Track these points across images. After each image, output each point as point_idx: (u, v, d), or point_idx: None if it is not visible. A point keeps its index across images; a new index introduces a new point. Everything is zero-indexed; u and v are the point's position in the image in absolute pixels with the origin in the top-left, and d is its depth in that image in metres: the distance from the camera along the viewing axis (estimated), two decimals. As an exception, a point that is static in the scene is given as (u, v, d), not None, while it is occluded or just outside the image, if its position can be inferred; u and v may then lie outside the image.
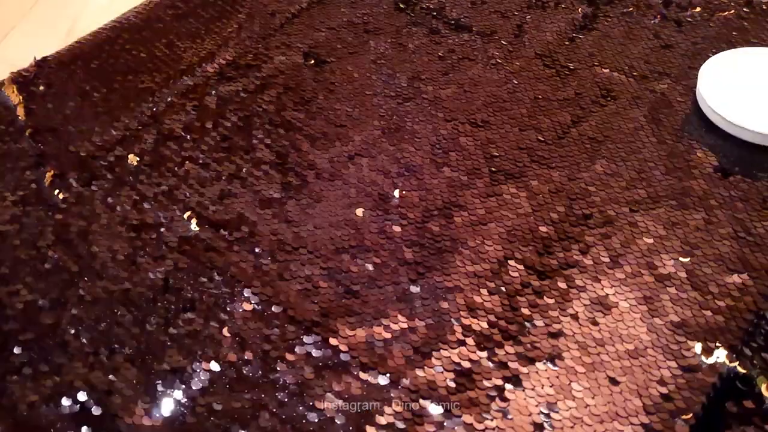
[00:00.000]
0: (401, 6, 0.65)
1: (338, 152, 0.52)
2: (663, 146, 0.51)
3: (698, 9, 0.62)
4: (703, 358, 0.39)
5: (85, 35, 0.64)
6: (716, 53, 0.58)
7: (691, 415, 0.37)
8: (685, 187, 0.48)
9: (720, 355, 0.39)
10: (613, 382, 0.39)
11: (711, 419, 0.37)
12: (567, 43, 0.60)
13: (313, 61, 0.60)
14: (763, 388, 0.38)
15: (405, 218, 0.47)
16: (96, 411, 0.39)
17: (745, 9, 0.62)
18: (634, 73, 0.57)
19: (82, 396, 0.39)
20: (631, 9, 0.63)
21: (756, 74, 0.53)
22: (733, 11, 0.62)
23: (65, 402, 0.39)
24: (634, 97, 0.55)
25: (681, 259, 0.44)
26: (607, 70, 0.58)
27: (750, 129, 0.49)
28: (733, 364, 0.39)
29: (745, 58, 0.54)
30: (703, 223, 0.46)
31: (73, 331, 0.42)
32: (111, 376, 0.40)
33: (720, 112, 0.50)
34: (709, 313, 0.41)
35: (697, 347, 0.40)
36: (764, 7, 0.62)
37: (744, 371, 0.39)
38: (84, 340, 0.42)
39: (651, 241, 0.45)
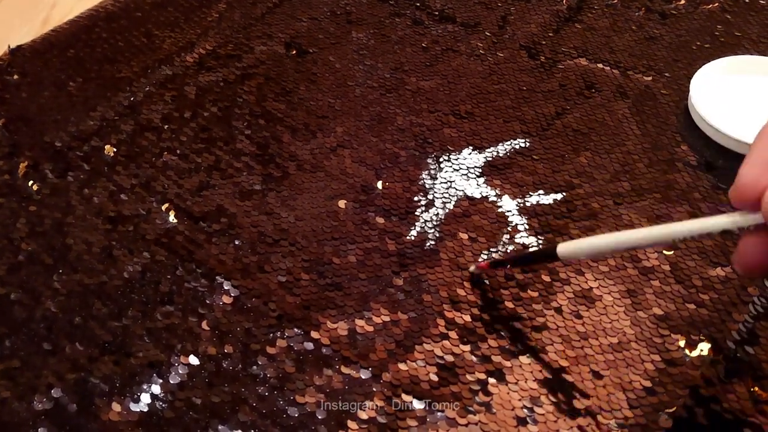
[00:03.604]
0: (384, -4, 0.64)
1: (320, 143, 0.52)
2: (647, 138, 0.51)
3: (683, 1, 0.62)
4: (687, 351, 0.39)
5: (61, 23, 0.62)
6: (701, 46, 0.58)
7: (674, 408, 0.37)
8: (669, 179, 0.48)
9: (703, 348, 0.39)
10: (597, 375, 0.38)
11: (695, 413, 0.37)
12: (551, 34, 0.60)
13: (294, 52, 0.59)
14: (746, 381, 0.38)
15: (388, 210, 0.47)
16: (71, 407, 0.38)
17: (729, 2, 0.62)
18: (619, 66, 0.57)
19: (56, 392, 0.38)
20: (615, 1, 0.63)
21: (750, 85, 0.53)
22: (717, 4, 0.62)
23: (39, 398, 0.38)
24: (618, 90, 0.55)
25: (664, 252, 0.44)
26: (592, 62, 0.57)
27: (744, 141, 0.48)
28: (716, 358, 0.39)
29: (741, 66, 0.54)
30: (687, 215, 0.46)
31: (47, 326, 0.41)
32: (86, 372, 0.39)
33: (714, 124, 0.49)
34: (692, 306, 0.41)
35: (681, 341, 0.40)
36: (747, 1, 0.62)
37: (727, 364, 0.38)
38: (58, 335, 0.41)
39: (635, 233, 0.45)
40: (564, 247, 0.36)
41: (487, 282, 0.43)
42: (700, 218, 0.31)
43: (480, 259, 0.44)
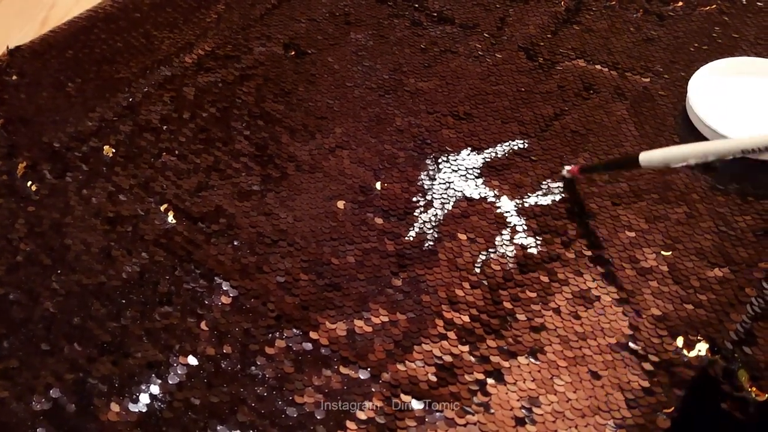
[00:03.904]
0: (383, -3, 0.64)
1: (319, 144, 0.52)
2: (645, 140, 0.51)
3: (680, 3, 0.63)
4: (685, 351, 0.39)
5: (59, 24, 0.62)
6: (698, 48, 0.58)
7: (672, 408, 0.37)
8: (666, 180, 0.48)
9: (701, 348, 0.39)
10: (595, 376, 0.38)
11: (693, 413, 0.37)
12: (550, 36, 0.60)
13: (293, 53, 0.59)
14: (743, 381, 0.38)
15: (387, 210, 0.47)
16: (69, 408, 0.38)
17: (726, 4, 0.62)
18: (617, 67, 0.57)
19: (55, 392, 0.38)
20: (613, 3, 0.63)
21: (748, 86, 0.53)
22: (714, 6, 0.62)
23: (37, 399, 0.38)
24: (616, 91, 0.55)
25: (662, 252, 0.44)
26: (590, 64, 0.57)
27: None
28: (714, 358, 0.39)
29: (739, 68, 0.54)
30: (685, 217, 0.46)
31: (45, 326, 0.41)
32: (85, 372, 0.39)
33: (711, 126, 0.49)
34: (690, 306, 0.41)
35: (679, 341, 0.40)
36: (744, 2, 0.62)
37: (725, 365, 0.39)
38: (57, 335, 0.41)
39: (633, 234, 0.45)
40: (646, 155, 0.40)
41: (485, 283, 0.43)
42: None
43: (564, 172, 0.48)
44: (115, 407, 0.38)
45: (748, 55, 0.56)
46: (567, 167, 0.48)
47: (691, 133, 0.51)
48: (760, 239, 0.44)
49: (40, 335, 0.41)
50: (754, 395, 0.37)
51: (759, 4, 0.62)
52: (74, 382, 0.39)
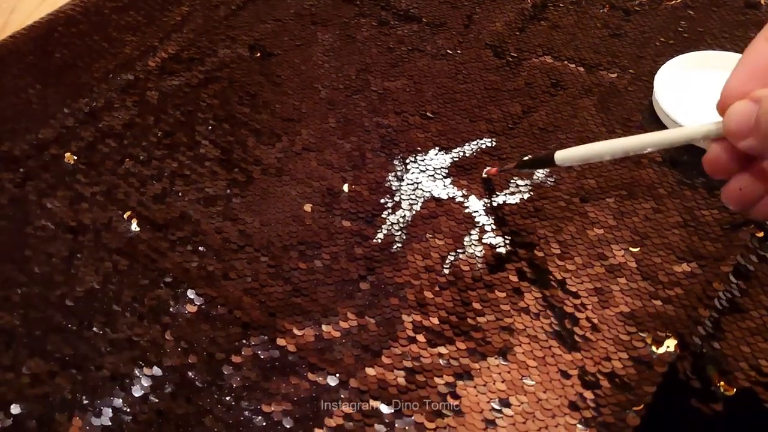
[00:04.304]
0: (349, -3, 0.64)
1: (285, 147, 0.51)
2: (612, 136, 0.51)
3: (646, -2, 0.63)
4: (654, 348, 0.39)
5: (19, 29, 0.61)
6: (664, 42, 0.58)
7: (642, 406, 0.37)
8: (634, 176, 0.48)
9: (670, 344, 0.39)
10: (565, 375, 0.38)
11: (662, 410, 0.37)
12: (517, 33, 0.60)
13: (259, 54, 0.59)
14: (712, 376, 0.38)
15: (354, 213, 0.46)
16: (30, 424, 0.37)
17: (691, -2, 0.62)
18: (584, 63, 0.57)
19: (15, 409, 0.37)
20: (580, -2, 0.63)
21: (714, 80, 0.53)
22: (680, 0, 0.62)
23: (-3, 415, 0.37)
24: (583, 87, 0.55)
25: (631, 249, 0.44)
26: (557, 60, 0.57)
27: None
28: (682, 354, 0.39)
29: (704, 62, 0.54)
30: (652, 212, 0.46)
31: (5, 340, 0.40)
32: (47, 386, 0.38)
33: (678, 120, 0.49)
34: (659, 302, 0.41)
35: (648, 337, 0.40)
36: (710, -4, 0.62)
37: (694, 360, 0.39)
38: (18, 349, 0.40)
39: (601, 231, 0.45)
40: (561, 154, 0.38)
41: (454, 284, 0.42)
42: (683, 127, 0.34)
43: (483, 173, 0.48)
44: (77, 422, 0.37)
45: (713, 49, 0.56)
46: (487, 168, 0.48)
47: (658, 128, 0.51)
48: (727, 233, 0.44)
49: (-1, 350, 0.40)
50: (722, 390, 0.37)
51: (723, -3, 0.62)
52: (35, 397, 0.38)
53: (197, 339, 0.40)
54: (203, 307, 0.42)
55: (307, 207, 0.47)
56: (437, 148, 0.50)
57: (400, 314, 0.41)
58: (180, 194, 0.48)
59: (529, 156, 0.49)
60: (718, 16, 0.60)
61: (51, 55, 0.59)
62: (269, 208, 0.47)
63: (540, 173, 0.48)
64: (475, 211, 0.46)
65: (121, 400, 0.38)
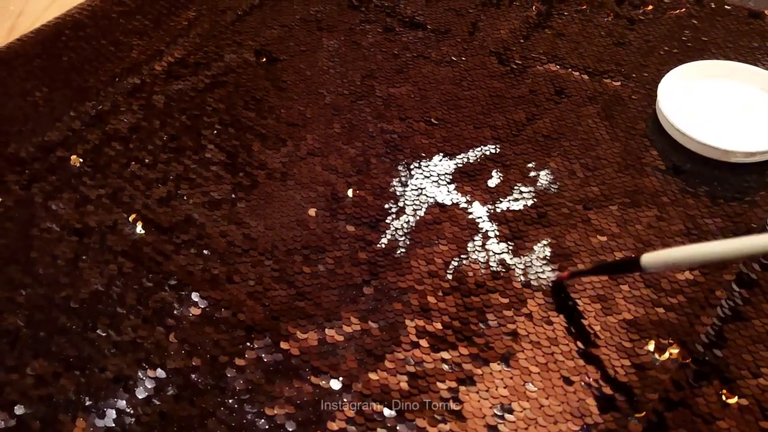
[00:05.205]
0: (355, 3, 0.64)
1: (290, 151, 0.51)
2: (616, 143, 0.51)
3: (650, 7, 0.63)
4: (656, 355, 0.39)
5: (26, 32, 0.62)
6: (668, 51, 0.58)
7: (644, 413, 0.37)
8: (637, 184, 0.48)
9: (672, 352, 0.39)
10: (567, 381, 0.38)
11: (664, 417, 0.37)
12: (521, 40, 0.60)
13: (264, 59, 0.59)
14: (714, 384, 0.38)
15: (359, 218, 0.47)
16: (34, 425, 0.37)
17: (695, 7, 0.63)
18: (588, 71, 0.57)
19: (19, 410, 0.37)
20: (584, 7, 0.63)
21: (717, 89, 0.53)
22: (684, 9, 0.63)
23: (1, 416, 0.37)
24: (587, 95, 0.55)
25: (633, 256, 0.44)
26: (562, 68, 0.57)
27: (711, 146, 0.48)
28: (685, 361, 0.39)
29: (707, 71, 0.54)
30: (656, 219, 0.46)
31: (10, 341, 0.40)
32: (51, 387, 0.38)
33: (681, 129, 0.49)
34: (661, 310, 0.41)
35: (650, 345, 0.40)
36: (713, 6, 0.63)
37: (696, 368, 0.39)
38: (22, 350, 0.40)
39: (604, 238, 0.45)
40: (648, 258, 0.36)
41: (458, 289, 0.42)
42: None
43: (554, 275, 0.43)
44: (81, 423, 0.37)
45: (717, 58, 0.56)
46: (557, 273, 0.43)
47: (662, 136, 0.51)
48: (730, 241, 0.44)
49: (4, 350, 0.40)
50: (724, 398, 0.37)
51: (727, 6, 0.62)
52: (40, 398, 0.38)
53: (201, 342, 0.40)
54: (207, 309, 0.42)
55: (312, 211, 0.47)
56: (441, 154, 0.51)
57: (404, 319, 0.41)
58: (185, 198, 0.48)
59: (606, 260, 0.44)
60: (722, 25, 0.61)
61: (58, 58, 0.59)
62: (274, 212, 0.47)
63: (544, 179, 0.48)
64: (478, 217, 0.46)
65: (124, 402, 0.38)
